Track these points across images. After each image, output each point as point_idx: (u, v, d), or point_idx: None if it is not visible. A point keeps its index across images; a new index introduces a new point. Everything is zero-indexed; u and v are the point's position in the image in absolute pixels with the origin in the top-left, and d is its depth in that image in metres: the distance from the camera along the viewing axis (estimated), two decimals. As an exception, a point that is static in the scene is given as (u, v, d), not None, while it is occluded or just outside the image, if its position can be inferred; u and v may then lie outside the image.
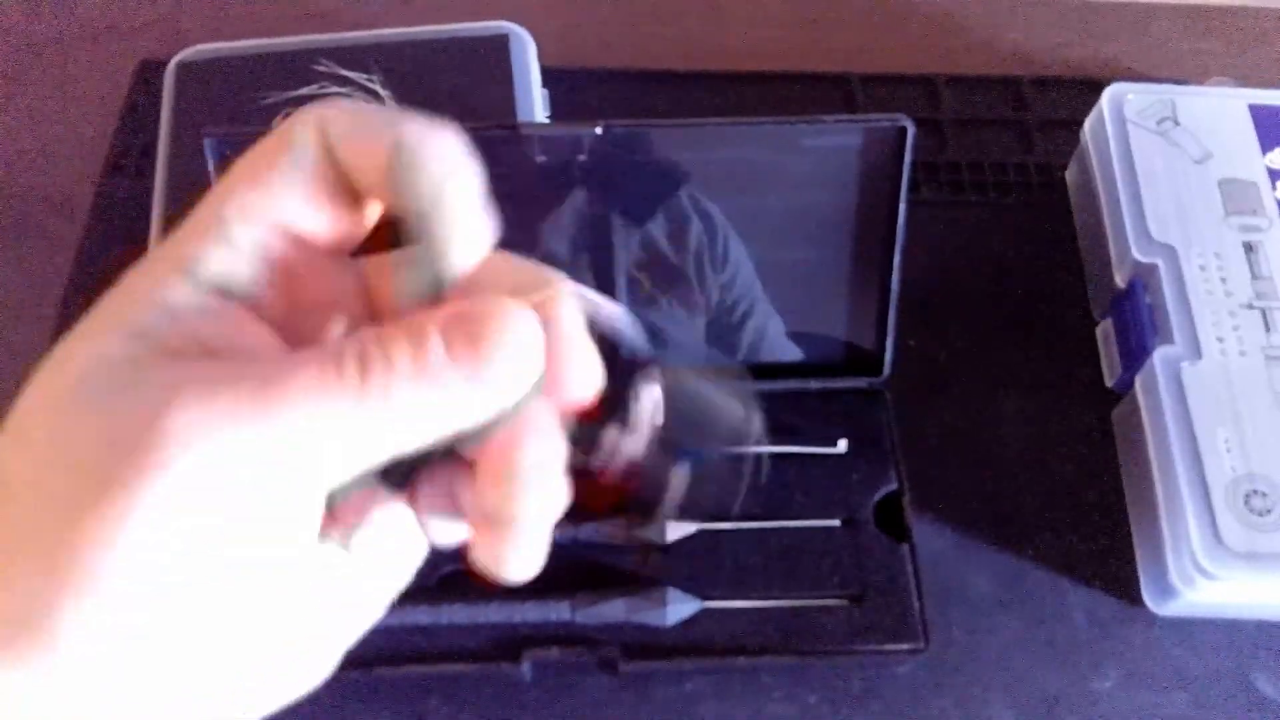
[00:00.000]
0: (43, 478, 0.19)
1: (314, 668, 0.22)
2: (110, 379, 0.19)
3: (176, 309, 0.20)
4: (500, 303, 0.20)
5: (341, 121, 0.22)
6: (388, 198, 0.22)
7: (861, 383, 0.46)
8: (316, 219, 0.22)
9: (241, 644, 0.20)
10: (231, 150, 0.39)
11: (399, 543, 0.23)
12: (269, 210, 0.21)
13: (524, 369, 0.20)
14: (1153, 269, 0.46)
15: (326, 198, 0.22)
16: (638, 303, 0.45)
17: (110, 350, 0.20)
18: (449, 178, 0.21)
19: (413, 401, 0.20)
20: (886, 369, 0.46)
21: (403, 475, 0.21)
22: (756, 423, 0.22)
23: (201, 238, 0.21)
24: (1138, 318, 0.46)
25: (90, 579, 0.18)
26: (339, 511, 0.21)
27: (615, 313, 0.22)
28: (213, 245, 0.21)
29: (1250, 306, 0.45)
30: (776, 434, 0.45)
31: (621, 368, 0.21)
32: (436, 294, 0.21)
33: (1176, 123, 0.50)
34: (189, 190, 0.46)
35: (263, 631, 0.20)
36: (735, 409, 0.22)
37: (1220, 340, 0.44)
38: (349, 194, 0.22)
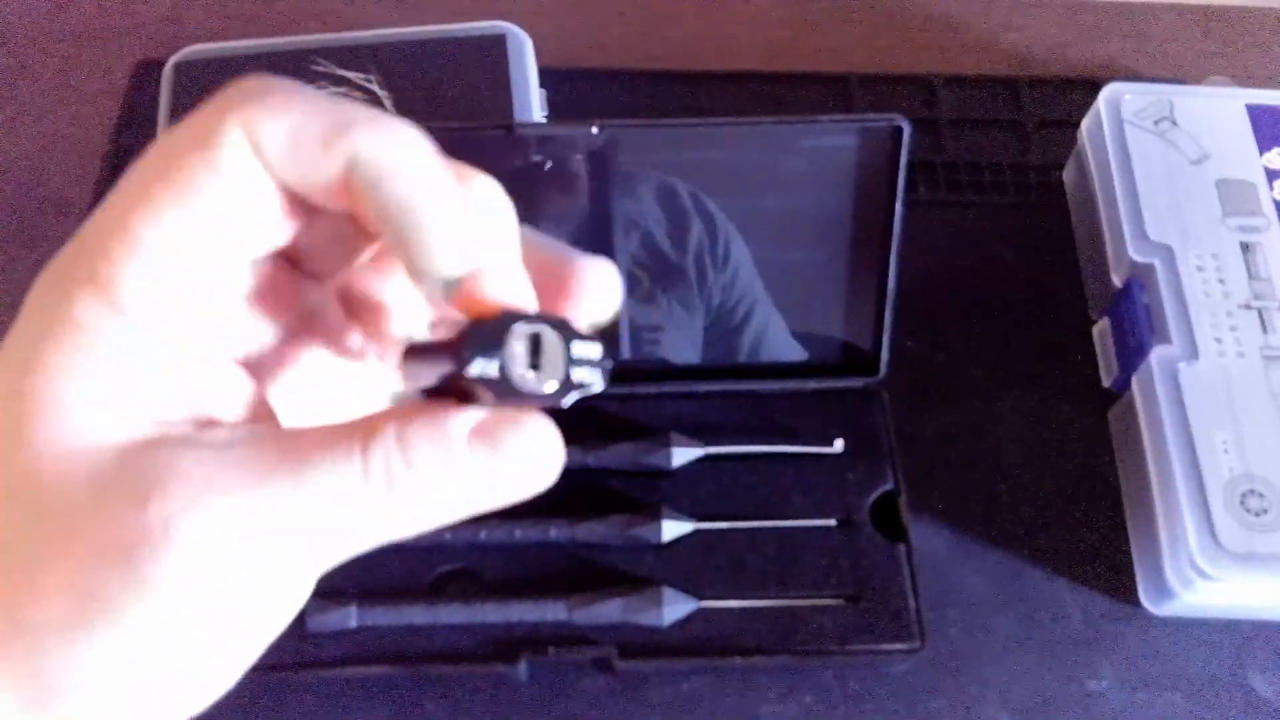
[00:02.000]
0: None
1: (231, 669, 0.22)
2: (90, 464, 0.19)
3: (108, 350, 0.20)
4: (524, 418, 0.20)
5: (275, 135, 0.20)
6: (353, 209, 0.21)
7: (858, 383, 0.46)
8: (259, 234, 0.21)
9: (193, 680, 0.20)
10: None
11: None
12: (198, 237, 0.20)
13: (542, 479, 0.21)
14: (1150, 269, 0.46)
15: (266, 211, 0.21)
16: (637, 302, 0.45)
17: (71, 422, 0.19)
18: (419, 191, 0.20)
19: (430, 501, 0.20)
20: (883, 369, 0.46)
21: None
22: None
23: (125, 267, 0.20)
24: (1135, 318, 0.46)
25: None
26: None
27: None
28: (147, 284, 0.20)
29: (1248, 307, 0.45)
30: (773, 434, 0.46)
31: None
32: (447, 291, 0.20)
33: (1174, 123, 0.50)
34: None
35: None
36: None
37: (1218, 340, 0.44)
38: (293, 200, 0.21)
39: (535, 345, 0.20)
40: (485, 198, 0.21)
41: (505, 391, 0.20)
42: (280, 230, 0.21)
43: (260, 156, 0.20)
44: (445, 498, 0.20)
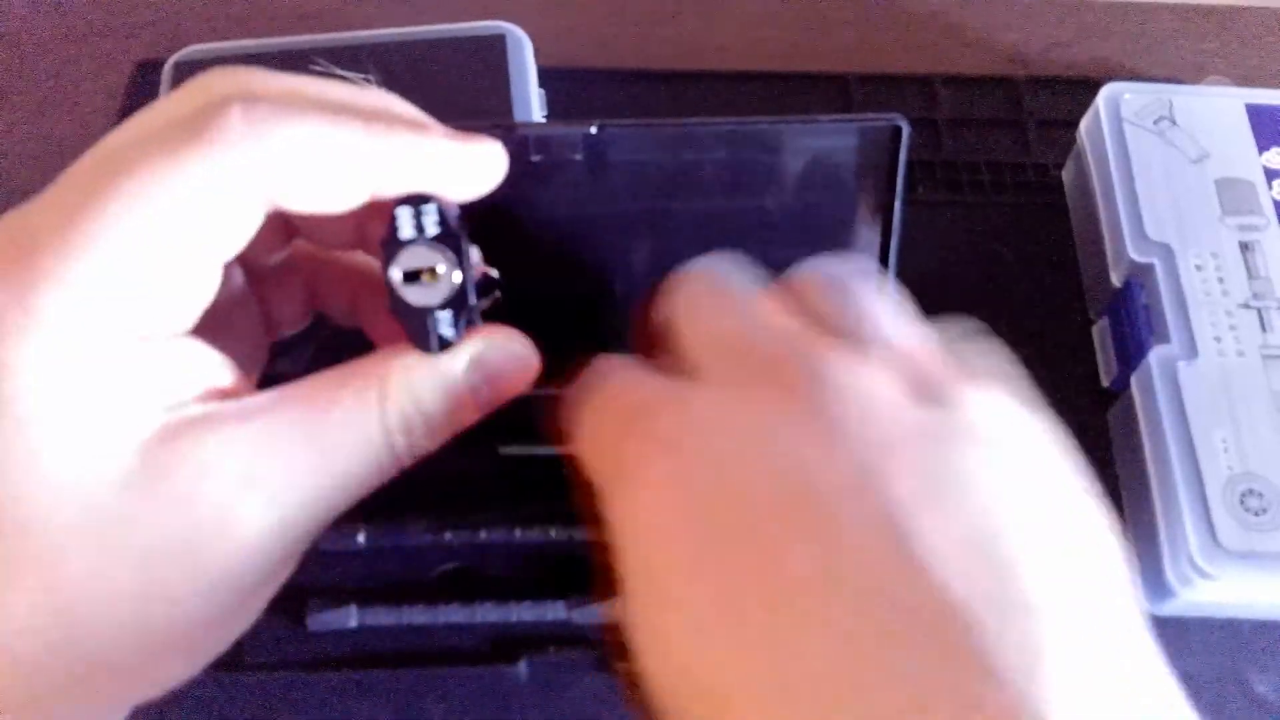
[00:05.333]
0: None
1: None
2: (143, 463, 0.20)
3: (87, 346, 0.20)
4: (496, 335, 0.23)
5: (296, 182, 0.20)
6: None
7: (858, 382, 0.46)
8: (241, 239, 0.21)
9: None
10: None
11: None
12: (179, 241, 0.20)
13: (524, 379, 0.24)
14: (1149, 268, 0.46)
15: (254, 222, 0.21)
16: (637, 302, 0.45)
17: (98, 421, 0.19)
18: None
19: (434, 433, 0.23)
20: (883, 368, 0.46)
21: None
22: None
23: (95, 265, 0.20)
24: (1134, 317, 0.46)
25: None
26: None
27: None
28: (119, 281, 0.20)
29: (1247, 306, 0.45)
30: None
31: None
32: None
33: (1173, 122, 0.50)
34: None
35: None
36: None
37: (1217, 340, 0.44)
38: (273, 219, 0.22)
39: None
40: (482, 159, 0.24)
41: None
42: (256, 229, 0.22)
43: (273, 193, 0.20)
44: (447, 426, 0.23)
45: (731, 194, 0.43)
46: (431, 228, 0.21)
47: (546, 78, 0.51)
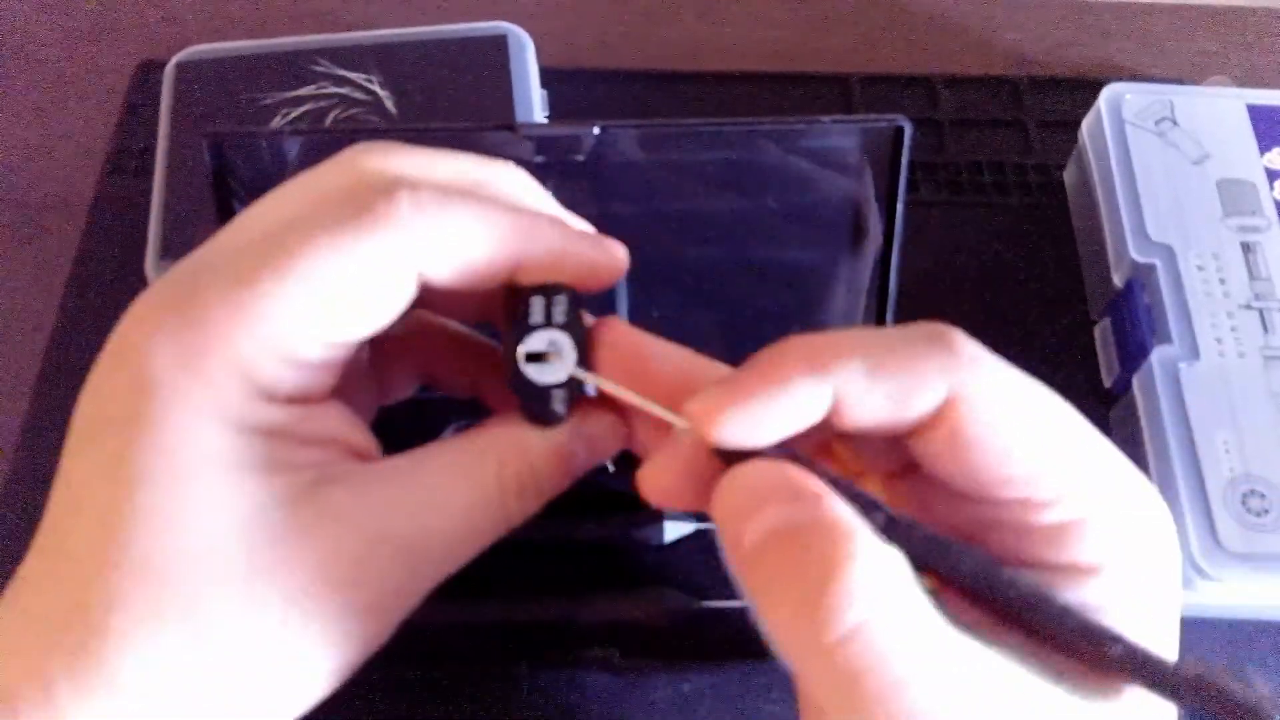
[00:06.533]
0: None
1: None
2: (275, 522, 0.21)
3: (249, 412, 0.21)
4: (599, 414, 0.25)
5: (448, 264, 0.22)
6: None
7: (859, 383, 0.46)
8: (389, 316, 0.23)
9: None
10: (228, 151, 0.39)
11: None
12: (349, 342, 0.23)
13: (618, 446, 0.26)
14: (1150, 269, 0.46)
15: (403, 303, 0.23)
16: (640, 302, 0.45)
17: (245, 494, 0.21)
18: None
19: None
20: (884, 369, 0.46)
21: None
22: None
23: (262, 343, 0.21)
24: (1135, 318, 0.46)
25: None
26: None
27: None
28: (282, 358, 0.22)
29: (1248, 307, 0.45)
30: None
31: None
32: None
33: (1174, 123, 0.50)
34: (188, 190, 0.47)
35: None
36: None
37: (1218, 341, 0.44)
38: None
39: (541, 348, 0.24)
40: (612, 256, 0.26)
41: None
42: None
43: (426, 274, 0.22)
44: (552, 490, 0.25)
45: (733, 195, 0.43)
46: (560, 315, 0.24)
47: (548, 78, 0.52)
